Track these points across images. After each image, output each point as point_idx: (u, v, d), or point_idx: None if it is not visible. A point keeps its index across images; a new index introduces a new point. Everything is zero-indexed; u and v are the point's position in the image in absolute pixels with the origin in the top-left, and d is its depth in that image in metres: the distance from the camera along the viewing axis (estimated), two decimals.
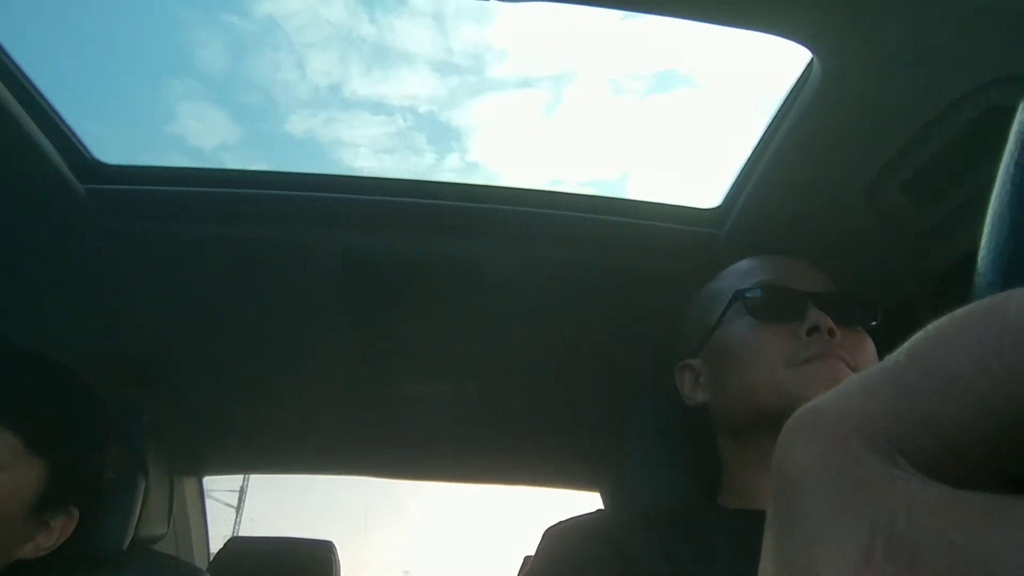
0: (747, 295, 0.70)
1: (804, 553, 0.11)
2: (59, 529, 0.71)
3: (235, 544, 1.66)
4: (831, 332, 0.65)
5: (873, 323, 0.69)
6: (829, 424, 0.12)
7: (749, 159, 0.85)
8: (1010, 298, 0.11)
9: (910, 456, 0.11)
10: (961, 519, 0.10)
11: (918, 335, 0.12)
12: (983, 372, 0.11)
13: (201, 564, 1.62)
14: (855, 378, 0.12)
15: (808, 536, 0.11)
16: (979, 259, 0.15)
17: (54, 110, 0.80)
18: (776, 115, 0.78)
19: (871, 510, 0.11)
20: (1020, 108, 0.15)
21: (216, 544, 1.72)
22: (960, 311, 0.12)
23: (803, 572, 0.11)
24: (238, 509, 14.15)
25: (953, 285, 0.85)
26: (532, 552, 0.69)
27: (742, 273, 0.74)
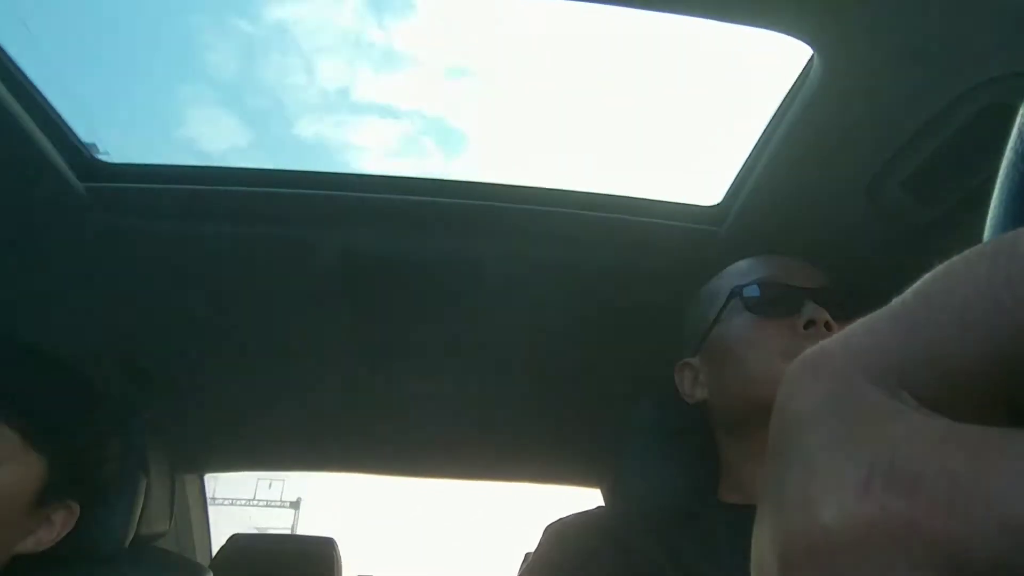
0: (744, 292, 0.71)
1: (801, 483, 0.11)
2: (59, 523, 0.71)
3: (237, 541, 1.66)
4: (828, 326, 0.65)
5: None
6: (833, 362, 0.12)
7: (749, 156, 0.85)
8: (1019, 234, 0.11)
9: (915, 391, 0.11)
10: (962, 450, 0.10)
11: (926, 275, 0.12)
12: (991, 304, 0.11)
13: (203, 561, 1.62)
14: (862, 320, 0.12)
15: (807, 468, 0.11)
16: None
17: (53, 109, 0.80)
18: (776, 112, 0.77)
19: (871, 441, 0.11)
20: (1023, 105, 0.15)
21: None
22: (967, 251, 0.12)
23: (800, 502, 0.11)
24: None
25: None
26: (532, 549, 0.69)
27: (739, 271, 0.75)
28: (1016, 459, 0.09)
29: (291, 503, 18.15)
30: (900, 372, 0.11)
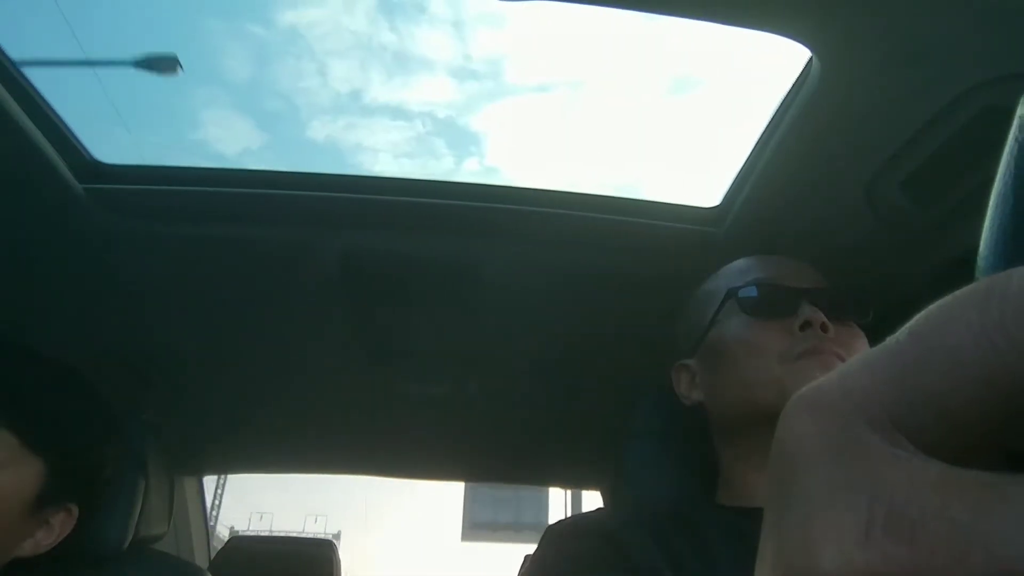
0: (740, 293, 0.70)
1: (801, 529, 0.11)
2: (58, 526, 0.71)
3: (236, 543, 1.66)
4: (824, 327, 0.65)
5: (867, 319, 0.70)
6: (831, 403, 0.12)
7: (748, 158, 0.85)
8: (1012, 274, 0.11)
9: (911, 434, 0.11)
10: (961, 496, 0.10)
11: (920, 315, 0.12)
12: (986, 346, 0.11)
13: (202, 563, 1.62)
14: (858, 358, 0.12)
15: (806, 512, 0.11)
16: (980, 252, 0.15)
17: (52, 109, 0.80)
18: (775, 114, 0.77)
19: (871, 486, 0.11)
20: (1020, 106, 0.15)
21: None
22: (961, 290, 0.12)
23: (800, 548, 0.11)
24: None
25: (954, 282, 0.84)
26: (532, 552, 0.69)
27: (735, 272, 0.74)
28: (1015, 505, 0.09)
29: (333, 535, 21.71)
30: (896, 414, 0.11)
